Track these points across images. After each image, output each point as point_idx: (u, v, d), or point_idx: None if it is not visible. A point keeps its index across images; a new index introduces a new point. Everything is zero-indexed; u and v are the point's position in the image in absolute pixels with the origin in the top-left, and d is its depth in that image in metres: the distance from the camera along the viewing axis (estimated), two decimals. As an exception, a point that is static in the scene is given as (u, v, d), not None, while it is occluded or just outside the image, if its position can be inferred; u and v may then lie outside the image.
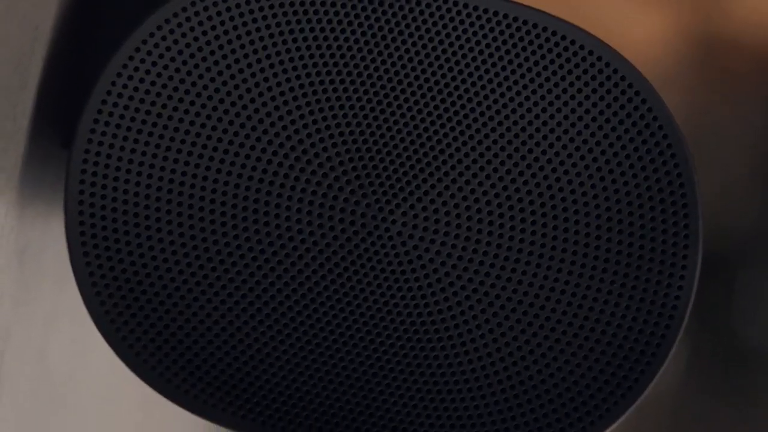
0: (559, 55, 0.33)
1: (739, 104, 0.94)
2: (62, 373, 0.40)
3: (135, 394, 0.49)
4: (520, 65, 0.33)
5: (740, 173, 0.94)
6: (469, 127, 0.33)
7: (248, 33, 0.33)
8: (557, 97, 0.33)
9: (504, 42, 0.33)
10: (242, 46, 0.33)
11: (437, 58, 0.33)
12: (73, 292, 0.35)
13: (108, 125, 0.32)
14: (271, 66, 0.33)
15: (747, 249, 0.94)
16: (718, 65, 0.93)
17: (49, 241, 0.37)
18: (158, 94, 0.33)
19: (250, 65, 0.33)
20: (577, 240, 0.33)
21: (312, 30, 0.33)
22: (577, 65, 0.33)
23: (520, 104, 0.33)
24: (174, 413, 0.33)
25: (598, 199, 0.33)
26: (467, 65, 0.33)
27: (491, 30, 0.33)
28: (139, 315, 0.33)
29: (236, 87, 0.33)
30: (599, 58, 0.33)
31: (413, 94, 0.33)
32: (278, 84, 0.33)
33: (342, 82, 0.33)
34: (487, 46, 0.33)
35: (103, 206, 0.33)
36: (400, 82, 0.33)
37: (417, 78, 0.33)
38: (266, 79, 0.33)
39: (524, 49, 0.33)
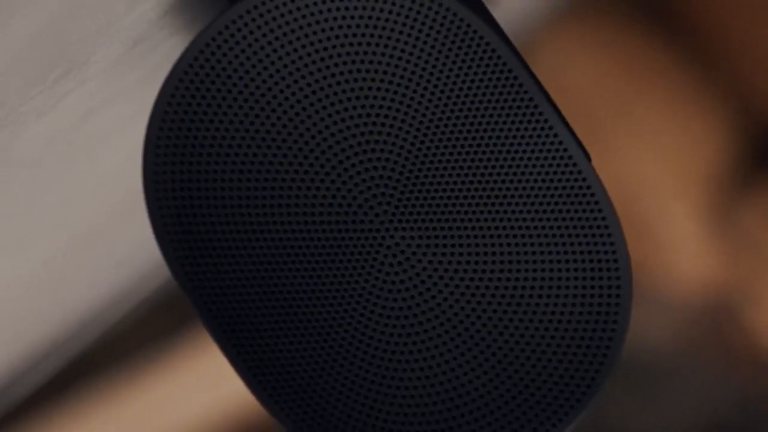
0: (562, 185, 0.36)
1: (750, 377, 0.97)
2: (91, 140, 0.45)
3: (124, 201, 0.53)
4: (530, 174, 0.36)
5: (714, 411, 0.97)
6: (471, 190, 0.36)
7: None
8: (544, 212, 0.36)
9: (528, 145, 0.36)
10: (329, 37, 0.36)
11: (481, 128, 0.36)
12: (143, 102, 0.39)
13: (250, 22, 0.35)
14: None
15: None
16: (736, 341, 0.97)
17: (160, 50, 0.40)
18: (276, 39, 0.35)
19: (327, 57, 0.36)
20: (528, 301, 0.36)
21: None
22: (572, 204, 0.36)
23: (516, 195, 0.36)
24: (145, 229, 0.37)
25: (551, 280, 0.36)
26: (494, 147, 0.36)
27: (531, 138, 0.36)
28: (179, 200, 0.36)
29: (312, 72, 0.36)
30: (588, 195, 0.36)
31: (448, 144, 0.36)
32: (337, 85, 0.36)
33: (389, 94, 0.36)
34: (520, 144, 0.36)
35: (199, 85, 0.35)
36: (437, 115, 0.36)
37: (458, 132, 0.36)
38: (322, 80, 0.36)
39: (539, 161, 0.36)
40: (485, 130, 0.36)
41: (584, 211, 0.36)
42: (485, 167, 0.36)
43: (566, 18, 0.95)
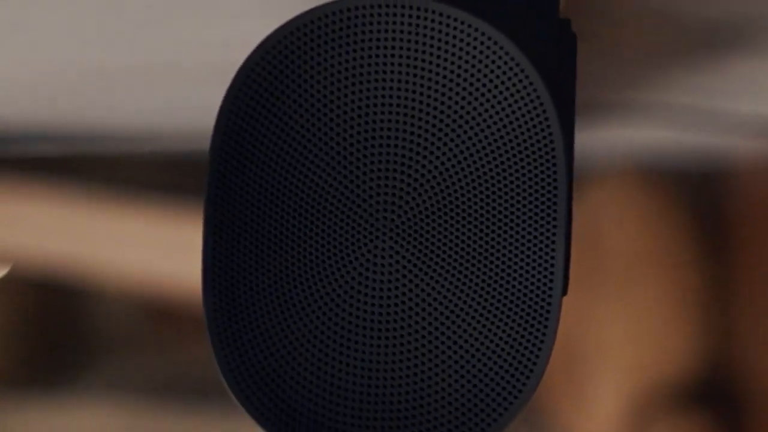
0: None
1: None
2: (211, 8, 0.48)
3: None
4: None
5: None
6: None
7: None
8: (504, 302, 0.38)
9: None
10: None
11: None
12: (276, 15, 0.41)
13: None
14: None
15: None
16: None
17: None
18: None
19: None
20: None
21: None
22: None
23: (492, 271, 0.38)
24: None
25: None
26: (498, 224, 0.38)
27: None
28: (242, 132, 0.39)
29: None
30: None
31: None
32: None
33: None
34: (520, 240, 0.38)
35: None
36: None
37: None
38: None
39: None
40: (501, 206, 0.39)
41: (530, 327, 0.38)
42: (481, 231, 0.39)
43: (624, 168, 0.99)
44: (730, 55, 0.53)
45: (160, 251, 1.04)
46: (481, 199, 0.39)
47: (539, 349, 0.38)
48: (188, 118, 0.69)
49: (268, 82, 0.39)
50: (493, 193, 0.39)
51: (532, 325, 0.38)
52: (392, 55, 0.39)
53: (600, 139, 0.79)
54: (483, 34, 0.38)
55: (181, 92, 0.63)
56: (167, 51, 0.56)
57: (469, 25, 0.38)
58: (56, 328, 1.26)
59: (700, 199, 0.99)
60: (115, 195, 1.01)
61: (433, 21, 0.38)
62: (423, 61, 0.39)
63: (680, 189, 0.98)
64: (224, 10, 0.48)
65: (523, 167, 0.39)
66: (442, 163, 0.39)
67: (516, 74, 0.38)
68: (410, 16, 0.38)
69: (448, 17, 0.38)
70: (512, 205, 0.39)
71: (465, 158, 0.39)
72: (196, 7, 0.48)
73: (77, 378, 1.25)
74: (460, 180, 0.39)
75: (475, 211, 0.39)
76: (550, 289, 0.38)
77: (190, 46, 0.55)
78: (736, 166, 0.96)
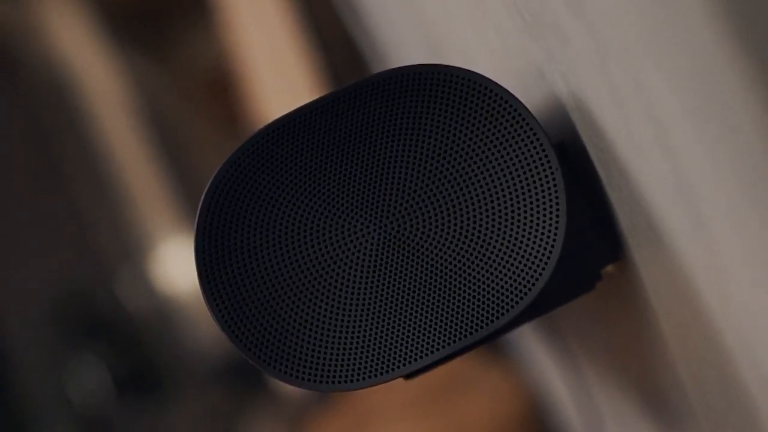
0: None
1: None
2: None
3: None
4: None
5: None
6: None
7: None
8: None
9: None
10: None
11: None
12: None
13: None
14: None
15: None
16: None
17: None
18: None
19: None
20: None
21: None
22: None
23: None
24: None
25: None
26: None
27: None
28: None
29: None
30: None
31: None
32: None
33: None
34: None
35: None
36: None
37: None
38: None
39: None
40: (452, 284, 0.44)
41: (377, 362, 0.45)
42: (431, 285, 0.44)
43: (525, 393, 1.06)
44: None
45: (270, 67, 1.10)
46: (450, 268, 0.44)
47: (363, 381, 0.45)
48: (381, 34, 0.74)
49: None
50: (460, 269, 0.44)
51: (378, 365, 0.45)
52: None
53: (541, 351, 0.84)
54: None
55: (398, 25, 0.69)
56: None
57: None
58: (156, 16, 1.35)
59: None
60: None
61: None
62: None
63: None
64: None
65: (493, 279, 0.44)
66: (440, 222, 0.44)
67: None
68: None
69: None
70: (458, 295, 0.44)
71: (458, 219, 0.44)
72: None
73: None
74: (444, 240, 0.44)
75: (438, 270, 0.44)
76: (408, 361, 0.44)
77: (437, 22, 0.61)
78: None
